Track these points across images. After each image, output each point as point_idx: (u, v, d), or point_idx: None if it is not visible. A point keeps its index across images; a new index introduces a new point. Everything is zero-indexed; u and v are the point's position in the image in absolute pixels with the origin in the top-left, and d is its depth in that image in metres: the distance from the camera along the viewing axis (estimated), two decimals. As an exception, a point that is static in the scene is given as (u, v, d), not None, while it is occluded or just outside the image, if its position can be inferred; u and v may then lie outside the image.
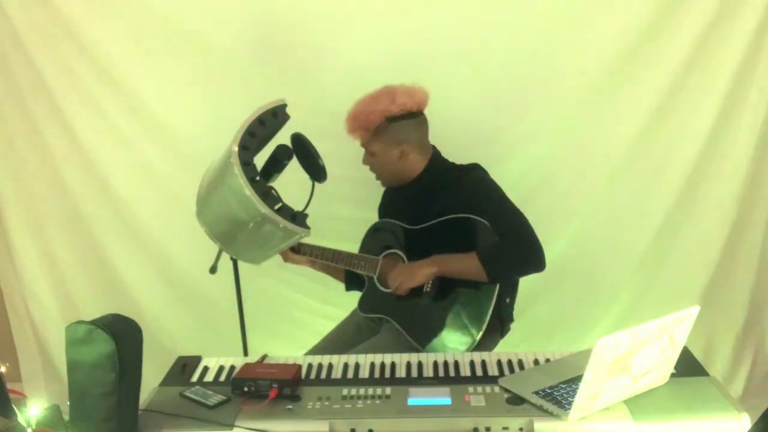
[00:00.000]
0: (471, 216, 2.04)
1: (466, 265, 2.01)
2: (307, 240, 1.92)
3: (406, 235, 2.20)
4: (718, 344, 2.71)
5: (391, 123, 2.10)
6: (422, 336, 2.07)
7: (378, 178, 2.24)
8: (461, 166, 2.20)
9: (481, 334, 2.01)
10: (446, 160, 2.22)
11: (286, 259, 2.33)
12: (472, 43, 2.46)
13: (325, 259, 2.29)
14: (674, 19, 2.38)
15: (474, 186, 2.11)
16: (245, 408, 1.55)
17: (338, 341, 2.29)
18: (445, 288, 2.08)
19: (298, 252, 2.30)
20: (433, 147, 2.21)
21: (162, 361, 1.88)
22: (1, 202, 2.69)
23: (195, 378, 1.76)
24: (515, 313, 2.18)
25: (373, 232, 2.33)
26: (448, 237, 2.09)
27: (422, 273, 2.05)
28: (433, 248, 2.11)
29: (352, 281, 2.40)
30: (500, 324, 2.11)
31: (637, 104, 2.50)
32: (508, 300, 2.11)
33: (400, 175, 2.18)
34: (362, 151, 2.20)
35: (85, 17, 2.48)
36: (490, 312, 2.01)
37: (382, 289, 2.21)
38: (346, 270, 2.33)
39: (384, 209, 2.37)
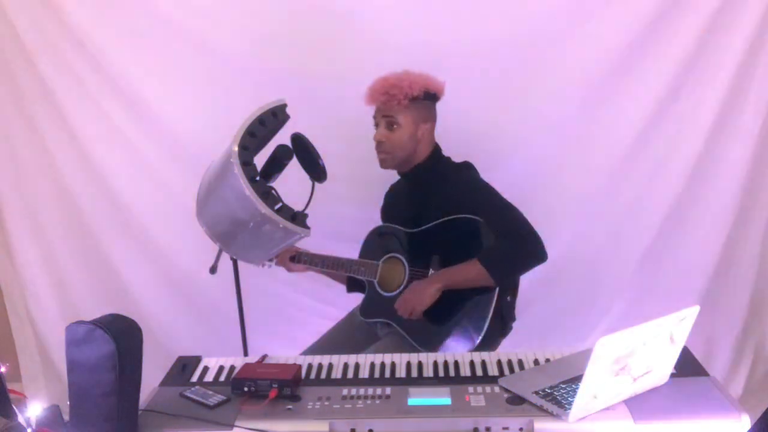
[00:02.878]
0: (467, 216, 2.04)
1: (470, 273, 2.02)
2: (306, 242, 1.91)
3: (406, 239, 2.20)
4: (718, 344, 2.71)
5: (426, 99, 2.12)
6: (425, 339, 2.07)
7: (385, 156, 2.14)
8: (454, 163, 2.21)
9: (482, 334, 2.01)
10: (444, 156, 2.22)
11: (289, 270, 2.35)
12: (475, 38, 2.47)
13: (326, 267, 2.29)
14: (674, 18, 2.39)
15: (465, 185, 2.12)
16: (245, 408, 1.55)
17: (334, 343, 2.28)
18: (447, 290, 2.07)
19: (299, 262, 2.31)
20: (436, 142, 2.22)
21: (162, 361, 1.88)
22: (1, 202, 2.69)
23: (195, 378, 1.76)
24: (516, 311, 2.18)
25: (374, 236, 2.32)
26: (447, 238, 2.09)
27: (429, 292, 2.04)
28: (434, 250, 2.11)
29: (353, 284, 2.40)
30: (502, 323, 2.11)
31: (637, 104, 2.50)
32: (509, 298, 2.11)
33: (409, 156, 2.15)
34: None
35: (86, 18, 2.48)
36: (491, 313, 2.02)
37: (383, 293, 2.21)
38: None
39: (385, 211, 2.37)
